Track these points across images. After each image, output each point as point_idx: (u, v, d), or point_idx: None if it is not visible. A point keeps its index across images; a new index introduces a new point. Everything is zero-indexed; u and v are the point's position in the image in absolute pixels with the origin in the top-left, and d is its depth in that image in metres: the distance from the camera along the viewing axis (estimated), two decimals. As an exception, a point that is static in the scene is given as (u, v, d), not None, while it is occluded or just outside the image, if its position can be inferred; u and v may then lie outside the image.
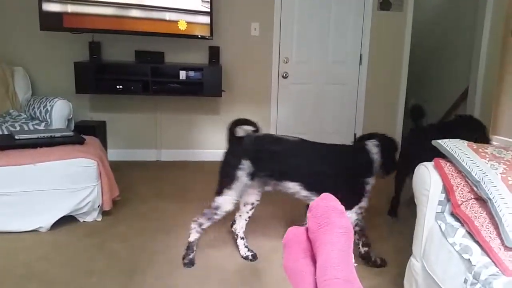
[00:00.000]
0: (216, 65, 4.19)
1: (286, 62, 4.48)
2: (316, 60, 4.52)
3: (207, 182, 3.72)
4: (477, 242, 1.49)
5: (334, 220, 0.98)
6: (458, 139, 1.78)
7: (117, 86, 3.92)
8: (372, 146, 2.29)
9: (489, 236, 1.47)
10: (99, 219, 2.86)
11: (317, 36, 4.46)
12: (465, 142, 1.75)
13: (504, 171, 1.58)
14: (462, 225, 1.61)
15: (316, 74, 4.55)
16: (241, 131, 2.34)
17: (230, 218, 2.49)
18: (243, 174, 2.22)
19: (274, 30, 4.37)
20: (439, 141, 1.79)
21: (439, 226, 1.67)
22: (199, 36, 4.06)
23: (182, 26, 4.00)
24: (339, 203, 1.03)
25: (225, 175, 2.28)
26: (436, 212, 1.75)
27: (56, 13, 3.75)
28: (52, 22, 3.76)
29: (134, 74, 4.02)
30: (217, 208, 2.26)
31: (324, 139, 4.63)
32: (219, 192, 2.26)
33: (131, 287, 2.11)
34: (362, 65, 4.54)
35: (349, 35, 4.49)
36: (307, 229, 1.05)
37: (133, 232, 2.72)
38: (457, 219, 1.66)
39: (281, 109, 4.56)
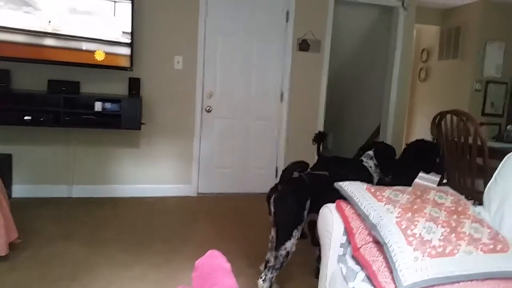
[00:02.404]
0: (136, 96, 4.08)
1: (210, 96, 4.49)
2: (240, 95, 4.58)
3: (124, 220, 3.56)
4: (374, 286, 1.53)
5: (219, 280, 0.95)
6: (358, 182, 1.85)
7: (25, 117, 3.65)
8: (368, 160, 2.61)
9: (385, 281, 1.51)
10: (-10, 267, 2.57)
11: (240, 70, 4.54)
12: (364, 185, 1.82)
13: (399, 215, 1.66)
14: (362, 269, 1.65)
15: (239, 109, 4.60)
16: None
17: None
18: (306, 213, 2.23)
19: (197, 64, 4.38)
20: (340, 183, 1.86)
21: (341, 269, 1.71)
22: (118, 67, 3.94)
23: (100, 57, 3.87)
24: (225, 261, 1.00)
25: (293, 217, 2.22)
26: (339, 255, 1.79)
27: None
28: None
29: (45, 104, 3.78)
30: (288, 253, 2.20)
31: (248, 174, 4.67)
32: (288, 236, 2.18)
33: None
34: (283, 101, 4.68)
35: (271, 72, 4.63)
36: (192, 289, 1.00)
37: (30, 280, 2.47)
38: (357, 262, 1.70)
39: (204, 143, 4.53)
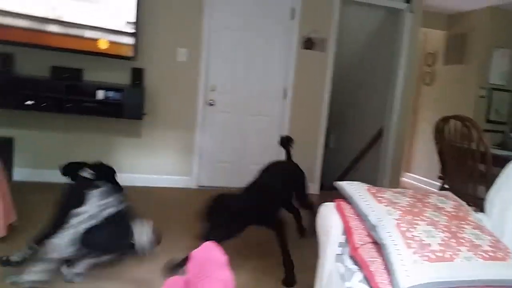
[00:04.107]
0: (139, 87, 4.06)
1: (213, 90, 4.47)
2: (243, 90, 4.56)
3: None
4: (371, 287, 1.52)
5: (214, 272, 0.93)
6: (358, 182, 1.83)
7: (27, 102, 3.64)
8: None
9: (382, 282, 1.49)
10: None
11: (243, 66, 4.52)
12: (365, 186, 1.80)
13: (399, 217, 1.64)
14: (360, 269, 1.63)
15: (241, 104, 4.58)
16: None
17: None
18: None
19: (201, 57, 4.35)
20: (341, 183, 1.83)
21: (338, 268, 1.69)
22: (122, 57, 3.92)
23: (103, 45, 3.84)
24: (222, 253, 0.99)
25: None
26: (337, 254, 1.77)
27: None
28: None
29: (47, 90, 3.76)
30: None
31: (247, 169, 4.66)
32: None
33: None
34: (286, 99, 4.65)
35: (274, 69, 4.60)
36: (185, 280, 0.98)
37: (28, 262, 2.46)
38: (355, 262, 1.69)
39: (206, 136, 4.51)
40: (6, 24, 3.57)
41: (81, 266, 2.25)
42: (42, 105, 3.68)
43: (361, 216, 1.70)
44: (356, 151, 5.48)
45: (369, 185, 1.82)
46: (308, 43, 4.57)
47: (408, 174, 6.40)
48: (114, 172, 2.71)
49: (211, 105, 4.48)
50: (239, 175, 4.67)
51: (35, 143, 4.05)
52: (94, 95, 3.82)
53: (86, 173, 2.51)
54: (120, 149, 4.28)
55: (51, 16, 3.66)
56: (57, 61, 3.93)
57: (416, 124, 6.35)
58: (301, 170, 3.22)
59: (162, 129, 4.36)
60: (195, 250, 1.00)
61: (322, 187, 4.96)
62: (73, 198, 2.23)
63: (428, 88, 6.27)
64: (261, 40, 4.51)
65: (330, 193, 5.24)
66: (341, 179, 5.54)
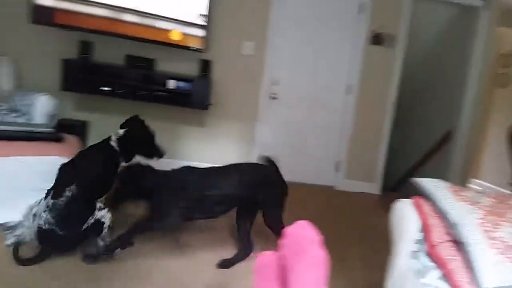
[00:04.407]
0: (207, 78, 4.17)
1: (276, 84, 4.49)
2: (306, 85, 4.55)
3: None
4: (450, 285, 1.48)
5: (309, 249, 0.95)
6: (438, 180, 1.78)
7: (104, 88, 3.86)
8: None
9: (462, 280, 1.45)
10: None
11: (308, 60, 4.50)
12: (446, 183, 1.75)
13: (482, 216, 1.58)
14: (437, 267, 1.59)
15: (304, 98, 4.57)
16: None
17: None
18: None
19: (266, 51, 4.39)
20: (420, 180, 1.79)
21: (414, 265, 1.65)
22: (192, 48, 4.04)
23: (176, 36, 3.98)
24: (316, 233, 1.00)
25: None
26: (412, 251, 1.73)
27: (48, 8, 3.70)
28: (43, 17, 3.71)
29: (122, 78, 3.96)
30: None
31: (306, 164, 4.65)
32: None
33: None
34: (351, 95, 4.58)
35: (340, 64, 4.55)
36: (279, 256, 1.01)
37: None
38: (432, 259, 1.64)
39: (267, 129, 4.55)
40: (84, 12, 3.80)
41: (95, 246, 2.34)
42: (117, 91, 3.89)
43: (441, 214, 1.65)
44: (420, 154, 5.29)
45: (450, 183, 1.77)
46: (376, 39, 4.46)
47: (475, 180, 6.08)
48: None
49: (274, 98, 4.51)
50: (297, 169, 4.67)
51: (107, 126, 4.26)
52: (165, 84, 3.98)
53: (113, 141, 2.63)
54: (184, 137, 4.42)
55: (129, 6, 3.85)
56: (131, 50, 4.12)
57: (487, 128, 6.01)
58: (279, 182, 2.63)
59: (224, 120, 4.46)
60: (289, 227, 1.02)
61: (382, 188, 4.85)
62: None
63: (502, 90, 5.91)
64: (327, 34, 4.47)
65: (391, 194, 5.13)
66: (403, 182, 5.38)
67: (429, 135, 5.28)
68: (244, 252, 2.53)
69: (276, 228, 2.40)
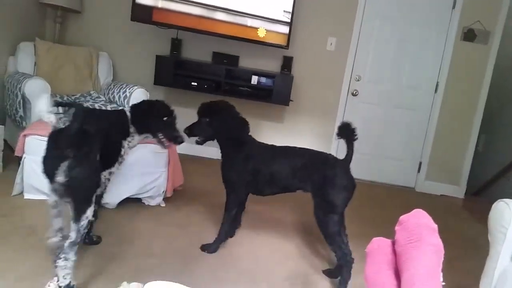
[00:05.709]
0: (288, 74, 4.24)
1: (358, 80, 4.45)
2: (389, 81, 4.45)
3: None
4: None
5: (425, 237, 0.97)
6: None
7: (192, 83, 4.08)
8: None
9: None
10: (163, 204, 2.98)
11: (393, 57, 4.40)
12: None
13: None
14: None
15: (387, 96, 4.47)
16: None
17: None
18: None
19: (350, 47, 4.36)
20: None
21: (516, 268, 1.59)
22: (276, 45, 4.13)
23: (262, 33, 4.09)
24: (432, 221, 1.02)
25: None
26: (513, 253, 1.67)
27: (147, 6, 3.97)
28: (142, 15, 3.99)
29: (209, 73, 4.17)
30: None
31: (386, 163, 4.54)
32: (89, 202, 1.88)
33: (185, 273, 2.18)
34: (438, 93, 4.41)
35: (427, 61, 4.39)
36: (393, 242, 1.04)
37: (189, 221, 2.81)
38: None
39: (346, 126, 4.51)
40: (179, 11, 4.03)
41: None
42: (204, 86, 4.09)
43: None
44: (510, 159, 4.94)
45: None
46: (469, 35, 4.24)
47: None
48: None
49: (355, 95, 4.47)
50: (377, 168, 4.59)
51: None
52: (249, 80, 4.12)
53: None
54: (264, 132, 4.53)
55: (220, 5, 4.03)
56: (218, 47, 4.32)
57: None
58: (341, 179, 2.45)
59: (304, 116, 4.50)
60: (404, 215, 1.05)
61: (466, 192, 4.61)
62: None
63: None
64: (415, 29, 4.33)
65: (475, 198, 4.86)
66: (488, 187, 5.07)
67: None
68: (345, 262, 2.25)
69: (321, 228, 2.28)
